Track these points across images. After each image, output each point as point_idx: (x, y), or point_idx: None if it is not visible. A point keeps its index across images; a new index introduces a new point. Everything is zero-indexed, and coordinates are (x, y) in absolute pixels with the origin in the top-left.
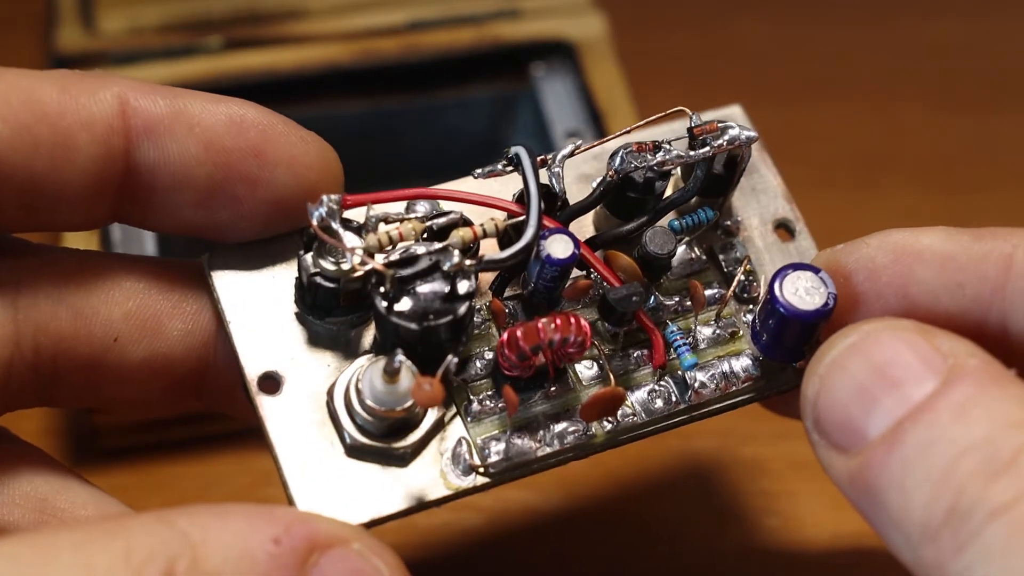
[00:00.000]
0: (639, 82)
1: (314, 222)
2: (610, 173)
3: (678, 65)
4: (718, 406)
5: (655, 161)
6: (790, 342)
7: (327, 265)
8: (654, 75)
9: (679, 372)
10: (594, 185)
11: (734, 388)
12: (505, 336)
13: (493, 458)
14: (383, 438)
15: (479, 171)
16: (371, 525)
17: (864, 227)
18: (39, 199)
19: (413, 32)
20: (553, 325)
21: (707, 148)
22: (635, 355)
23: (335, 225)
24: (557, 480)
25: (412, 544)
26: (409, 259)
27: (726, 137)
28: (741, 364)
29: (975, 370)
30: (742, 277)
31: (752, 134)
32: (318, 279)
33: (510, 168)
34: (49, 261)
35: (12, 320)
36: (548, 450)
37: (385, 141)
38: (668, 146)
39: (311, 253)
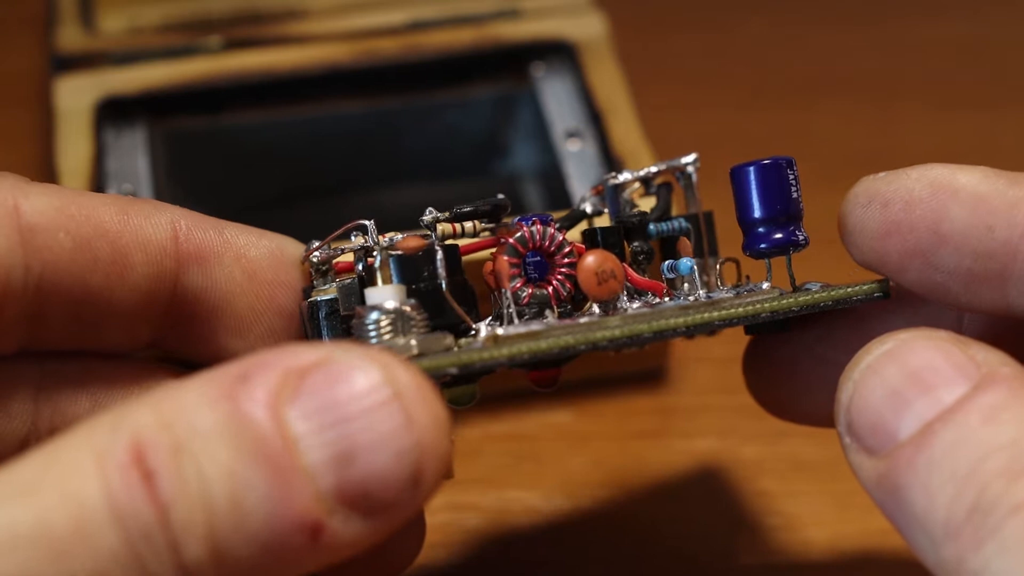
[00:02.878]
0: (639, 82)
1: (304, 253)
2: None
3: (678, 65)
4: (740, 310)
5: (616, 182)
6: (772, 212)
7: (320, 289)
8: (654, 75)
9: (685, 287)
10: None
11: (752, 297)
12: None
13: (506, 332)
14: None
15: (462, 208)
16: None
17: None
18: (89, 314)
19: (413, 32)
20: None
21: (652, 169)
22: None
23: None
24: (558, 480)
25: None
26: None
27: (667, 163)
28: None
29: (1008, 377)
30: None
31: (689, 158)
32: (317, 299)
33: (487, 209)
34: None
35: (32, 399)
36: (560, 324)
37: (385, 141)
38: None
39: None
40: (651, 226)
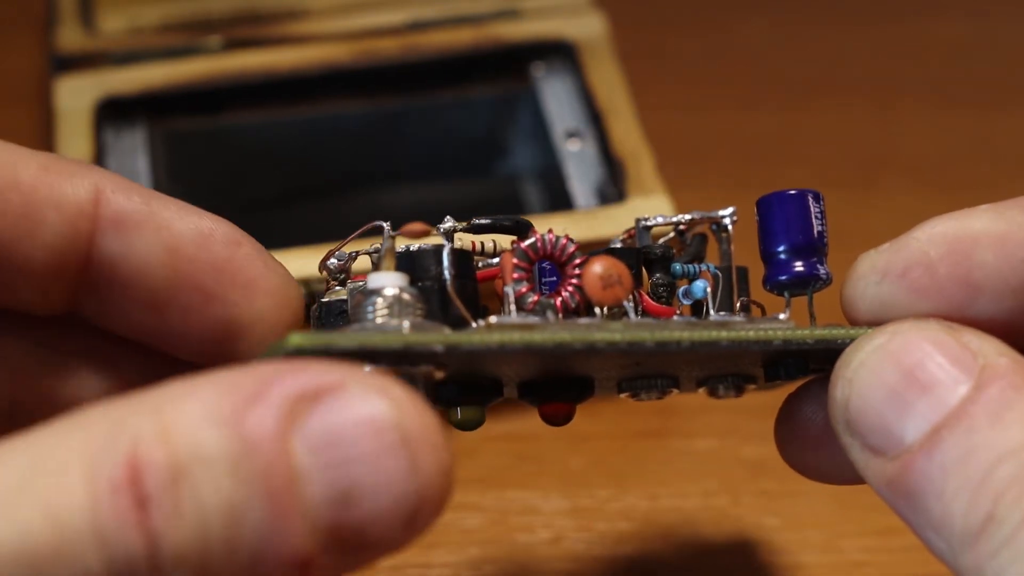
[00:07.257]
0: (639, 82)
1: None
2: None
3: (678, 65)
4: (751, 334)
5: (647, 224)
6: (793, 242)
7: (334, 291)
8: (654, 75)
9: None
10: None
11: (765, 323)
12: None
13: (500, 320)
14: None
15: (480, 220)
16: (372, 358)
17: (865, 227)
18: None
19: (413, 32)
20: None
21: (686, 217)
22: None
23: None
24: (557, 480)
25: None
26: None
27: (703, 213)
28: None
29: (1007, 370)
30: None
31: (726, 211)
32: (329, 300)
33: (507, 225)
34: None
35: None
36: (560, 323)
37: (385, 141)
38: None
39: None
40: (676, 265)
